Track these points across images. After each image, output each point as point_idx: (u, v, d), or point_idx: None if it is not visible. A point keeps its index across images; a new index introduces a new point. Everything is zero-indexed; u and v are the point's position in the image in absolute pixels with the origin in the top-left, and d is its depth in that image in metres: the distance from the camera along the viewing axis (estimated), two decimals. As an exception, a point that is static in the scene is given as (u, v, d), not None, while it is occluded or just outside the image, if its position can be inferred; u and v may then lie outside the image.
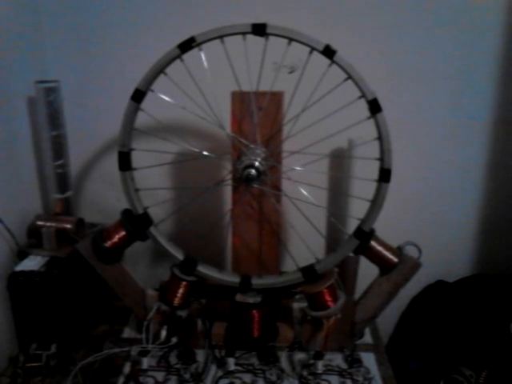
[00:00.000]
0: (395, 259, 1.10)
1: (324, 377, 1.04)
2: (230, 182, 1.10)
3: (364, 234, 1.03)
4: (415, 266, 1.10)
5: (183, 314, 1.10)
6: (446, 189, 1.42)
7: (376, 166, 0.99)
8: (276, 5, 1.24)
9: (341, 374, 1.06)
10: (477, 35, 1.28)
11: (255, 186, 1.03)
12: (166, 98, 1.00)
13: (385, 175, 0.98)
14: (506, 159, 1.39)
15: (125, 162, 1.02)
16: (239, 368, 1.06)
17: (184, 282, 1.09)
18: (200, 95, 0.98)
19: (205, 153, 1.07)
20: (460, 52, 1.29)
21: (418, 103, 1.34)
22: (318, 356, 1.05)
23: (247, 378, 1.04)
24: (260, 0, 1.25)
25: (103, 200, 1.41)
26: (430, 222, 1.45)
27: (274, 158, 1.06)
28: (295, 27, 0.91)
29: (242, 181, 1.02)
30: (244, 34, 0.91)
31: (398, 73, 1.31)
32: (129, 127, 0.99)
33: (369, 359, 1.12)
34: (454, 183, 1.41)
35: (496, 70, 1.31)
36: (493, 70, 1.31)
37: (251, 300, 1.09)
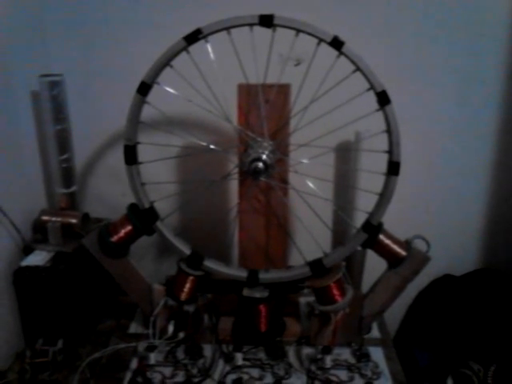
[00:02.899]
0: (404, 253, 1.09)
1: (332, 371, 1.03)
2: (236, 175, 1.09)
3: (372, 228, 1.03)
4: (424, 259, 1.09)
5: (190, 308, 1.10)
6: (454, 182, 1.41)
7: (383, 159, 0.98)
8: None
9: (349, 368, 1.05)
10: (484, 31, 1.27)
11: (262, 179, 1.02)
12: (172, 91, 0.99)
13: (394, 168, 0.97)
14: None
15: (131, 156, 1.01)
16: (247, 363, 1.06)
17: (191, 277, 1.09)
18: (206, 88, 0.97)
19: (211, 146, 1.06)
20: (467, 47, 1.28)
21: (425, 99, 1.33)
22: (326, 351, 1.04)
23: (255, 372, 1.04)
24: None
25: (108, 194, 1.40)
26: (437, 215, 1.44)
27: (281, 151, 1.05)
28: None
29: (249, 174, 1.01)
30: (251, 25, 0.90)
31: (404, 70, 1.30)
32: (135, 120, 0.98)
33: (377, 354, 1.11)
34: (461, 177, 1.41)
35: (503, 65, 1.29)
36: (499, 66, 1.30)
37: (258, 294, 1.09)
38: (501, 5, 1.24)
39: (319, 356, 1.05)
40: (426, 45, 1.28)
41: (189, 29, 0.92)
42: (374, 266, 1.19)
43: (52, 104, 1.18)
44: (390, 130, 0.94)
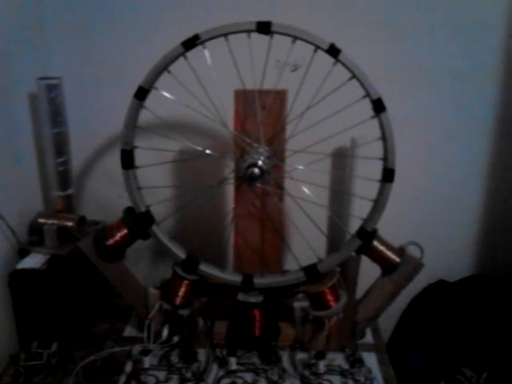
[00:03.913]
0: (397, 259, 1.10)
1: (326, 377, 1.04)
2: (232, 180, 1.09)
3: (367, 234, 1.03)
4: (417, 266, 1.10)
5: (185, 312, 1.10)
6: (448, 188, 1.42)
7: (378, 165, 0.99)
8: (280, 3, 1.23)
9: (342, 373, 1.06)
10: (480, 35, 1.28)
11: (258, 184, 1.03)
12: (170, 96, 0.99)
13: (388, 175, 0.98)
14: (507, 159, 1.39)
15: (128, 160, 1.01)
16: (241, 367, 1.06)
17: (186, 281, 1.09)
18: (203, 93, 0.98)
19: (207, 151, 1.06)
20: (463, 52, 1.29)
21: (420, 103, 1.33)
22: (320, 356, 1.05)
23: (249, 377, 1.05)
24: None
25: (105, 198, 1.40)
26: (431, 221, 1.45)
27: (277, 156, 1.05)
28: (299, 25, 0.90)
29: (245, 179, 1.01)
30: (249, 32, 0.91)
31: (400, 73, 1.31)
32: (132, 125, 0.98)
33: (370, 359, 1.12)
34: (455, 183, 1.41)
35: (499, 69, 1.30)
36: (495, 69, 1.30)
37: (253, 299, 1.09)
38: (496, 10, 1.25)
39: (313, 361, 1.05)
40: (422, 51, 1.29)
41: (187, 34, 0.92)
42: (368, 271, 1.19)
43: (50, 107, 1.18)
44: (384, 138, 0.95)
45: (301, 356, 1.11)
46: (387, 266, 1.11)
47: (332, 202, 1.41)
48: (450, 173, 1.40)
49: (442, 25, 1.27)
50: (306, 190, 1.06)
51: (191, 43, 0.92)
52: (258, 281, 1.08)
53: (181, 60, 0.94)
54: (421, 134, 1.36)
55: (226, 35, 0.92)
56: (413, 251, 1.12)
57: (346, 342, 1.13)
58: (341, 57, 0.91)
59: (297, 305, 1.22)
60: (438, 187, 1.42)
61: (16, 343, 1.15)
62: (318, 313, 1.08)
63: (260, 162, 1.00)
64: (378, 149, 0.97)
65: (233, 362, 1.05)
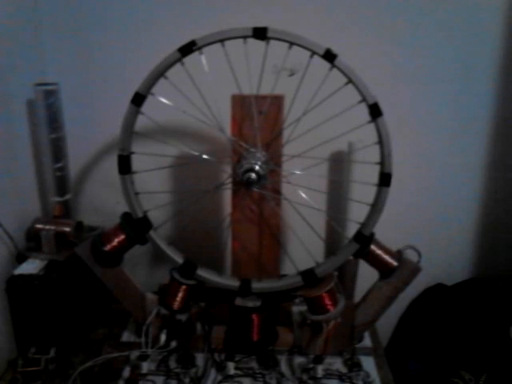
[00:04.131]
0: (395, 263, 1.10)
1: (324, 381, 1.04)
2: (229, 185, 1.09)
3: (364, 238, 1.03)
4: (415, 270, 1.10)
5: (183, 317, 1.10)
6: (446, 192, 1.42)
7: (376, 169, 0.99)
8: (277, 8, 1.24)
9: (340, 377, 1.05)
10: (476, 37, 1.28)
11: (255, 189, 1.03)
12: (166, 102, 0.99)
13: (385, 179, 0.98)
14: (505, 161, 1.39)
15: (125, 166, 1.01)
16: (239, 372, 1.06)
17: (183, 286, 1.09)
18: (200, 98, 0.98)
19: (205, 156, 1.07)
20: (459, 54, 1.30)
21: (418, 105, 1.34)
22: (318, 360, 1.04)
23: (247, 382, 1.04)
24: (261, 3, 1.25)
25: (102, 203, 1.41)
26: (429, 225, 1.45)
27: (274, 161, 1.06)
28: (296, 30, 0.91)
29: (242, 184, 1.01)
30: (245, 37, 0.91)
31: (398, 75, 1.31)
32: (129, 130, 0.99)
33: (368, 363, 1.11)
34: (453, 186, 1.42)
35: (496, 71, 1.31)
36: (492, 71, 1.31)
37: (251, 304, 1.09)
38: (493, 12, 1.26)
39: (311, 365, 1.05)
40: (419, 53, 1.29)
41: (184, 40, 0.92)
42: (366, 275, 1.19)
43: (47, 113, 1.18)
44: (381, 142, 0.95)
45: (299, 360, 1.11)
46: (385, 270, 1.11)
47: (329, 206, 1.41)
48: (448, 176, 1.41)
49: (439, 27, 1.27)
50: (303, 195, 1.06)
51: (188, 49, 0.93)
52: (256, 285, 1.08)
53: (177, 66, 0.95)
54: (418, 137, 1.36)
55: (222, 41, 0.92)
56: (410, 255, 1.12)
57: (344, 346, 1.13)
58: (337, 62, 0.91)
59: (295, 309, 1.22)
60: (436, 191, 1.42)
61: (14, 349, 1.15)
62: (316, 317, 1.07)
63: (257, 167, 1.00)
64: (375, 153, 0.98)
65: (231, 367, 1.04)
